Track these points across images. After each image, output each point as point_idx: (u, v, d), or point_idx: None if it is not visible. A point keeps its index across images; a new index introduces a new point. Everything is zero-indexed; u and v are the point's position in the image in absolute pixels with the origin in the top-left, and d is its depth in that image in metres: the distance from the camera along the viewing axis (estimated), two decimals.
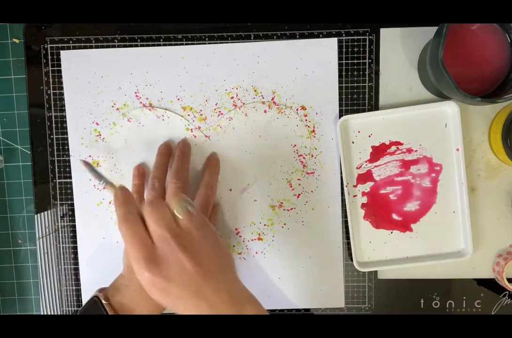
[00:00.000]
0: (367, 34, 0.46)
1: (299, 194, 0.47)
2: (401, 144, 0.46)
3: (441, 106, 0.45)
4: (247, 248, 0.48)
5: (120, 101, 0.47)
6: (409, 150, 0.46)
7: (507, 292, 0.46)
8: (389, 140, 0.46)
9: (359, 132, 0.46)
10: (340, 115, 0.46)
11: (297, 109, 0.46)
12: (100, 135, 0.47)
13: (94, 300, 0.40)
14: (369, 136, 0.46)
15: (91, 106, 0.47)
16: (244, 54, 0.46)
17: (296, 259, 0.47)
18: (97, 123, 0.47)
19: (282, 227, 0.47)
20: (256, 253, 0.48)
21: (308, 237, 0.47)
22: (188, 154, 0.46)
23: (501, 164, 0.46)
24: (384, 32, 0.45)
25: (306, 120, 0.46)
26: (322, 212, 0.47)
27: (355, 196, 0.46)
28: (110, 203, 0.47)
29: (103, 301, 0.40)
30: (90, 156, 0.47)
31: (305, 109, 0.46)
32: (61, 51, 0.47)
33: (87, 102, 0.47)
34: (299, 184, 0.47)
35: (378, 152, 0.46)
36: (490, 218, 0.46)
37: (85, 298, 0.48)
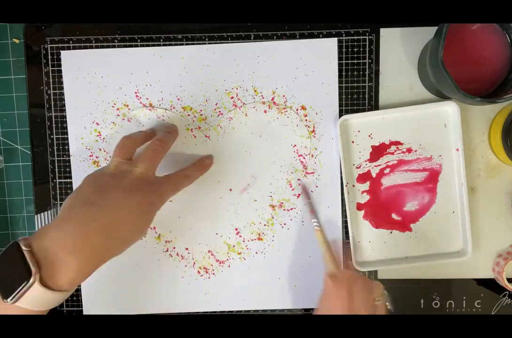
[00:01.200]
0: (367, 34, 0.46)
1: (299, 194, 0.47)
2: (401, 144, 0.46)
3: (441, 106, 0.45)
4: (247, 248, 0.48)
5: (120, 101, 0.47)
6: (409, 150, 0.46)
7: (507, 292, 0.46)
8: (389, 140, 0.46)
9: (359, 131, 0.46)
10: (340, 115, 0.46)
11: (297, 109, 0.46)
12: (100, 135, 0.47)
13: (12, 245, 0.33)
14: (369, 136, 0.46)
15: (91, 106, 0.47)
16: (244, 54, 0.46)
17: (296, 259, 0.47)
18: (97, 123, 0.47)
19: (282, 227, 0.47)
20: (256, 253, 0.48)
21: (308, 237, 0.47)
22: (176, 133, 0.44)
23: (501, 164, 0.46)
24: (384, 32, 0.45)
25: (306, 120, 0.46)
26: (322, 212, 0.47)
27: (355, 196, 0.47)
28: None
29: (23, 248, 0.33)
30: (90, 156, 0.47)
31: (305, 109, 0.46)
32: (61, 51, 0.47)
33: (87, 102, 0.47)
34: (299, 184, 0.47)
35: (378, 152, 0.46)
36: (490, 218, 0.46)
37: (85, 298, 0.48)
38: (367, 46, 0.46)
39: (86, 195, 0.37)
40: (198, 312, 0.48)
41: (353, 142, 0.46)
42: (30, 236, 0.35)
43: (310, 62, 0.46)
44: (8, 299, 0.33)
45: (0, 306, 0.34)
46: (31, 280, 0.32)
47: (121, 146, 0.41)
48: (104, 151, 0.47)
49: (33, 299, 0.33)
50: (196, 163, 0.45)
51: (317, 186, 0.47)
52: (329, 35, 0.46)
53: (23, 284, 0.32)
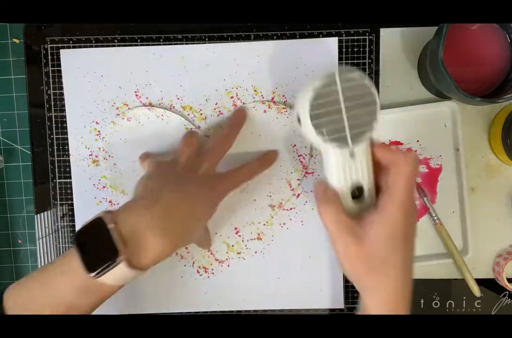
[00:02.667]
0: (367, 34, 0.46)
1: (299, 194, 0.47)
2: (401, 144, 0.46)
3: (441, 106, 0.45)
4: (247, 248, 0.47)
5: (120, 100, 0.47)
6: (409, 150, 0.46)
7: (507, 292, 0.46)
8: (389, 140, 0.46)
9: None
10: None
11: None
12: (99, 134, 0.47)
13: (97, 220, 0.33)
14: None
15: (91, 105, 0.47)
16: (244, 53, 0.46)
17: (296, 259, 0.47)
18: (96, 122, 0.47)
19: (282, 227, 0.47)
20: (256, 252, 0.47)
21: (308, 237, 0.47)
22: (242, 123, 0.44)
23: (501, 164, 0.46)
24: (384, 32, 0.45)
25: None
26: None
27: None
28: (110, 202, 0.47)
29: (108, 225, 0.32)
30: (90, 155, 0.47)
31: None
32: (61, 50, 0.47)
33: (87, 101, 0.47)
34: (299, 184, 0.47)
35: None
36: (490, 218, 0.46)
37: None
38: (367, 46, 0.46)
39: (169, 182, 0.37)
40: (197, 312, 0.48)
41: None
42: (114, 211, 0.34)
43: (310, 62, 0.46)
44: (92, 274, 0.32)
45: (64, 277, 0.34)
46: (117, 260, 0.32)
47: (189, 138, 0.42)
48: (104, 150, 0.47)
49: (114, 276, 0.33)
50: (260, 158, 0.45)
51: None
52: (329, 35, 0.46)
53: (109, 263, 0.32)
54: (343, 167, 0.35)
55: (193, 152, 0.41)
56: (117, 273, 0.33)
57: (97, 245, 0.32)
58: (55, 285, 0.34)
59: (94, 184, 0.47)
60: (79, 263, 0.32)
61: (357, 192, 0.36)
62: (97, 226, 0.32)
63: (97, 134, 0.47)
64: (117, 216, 0.33)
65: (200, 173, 0.40)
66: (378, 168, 0.36)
